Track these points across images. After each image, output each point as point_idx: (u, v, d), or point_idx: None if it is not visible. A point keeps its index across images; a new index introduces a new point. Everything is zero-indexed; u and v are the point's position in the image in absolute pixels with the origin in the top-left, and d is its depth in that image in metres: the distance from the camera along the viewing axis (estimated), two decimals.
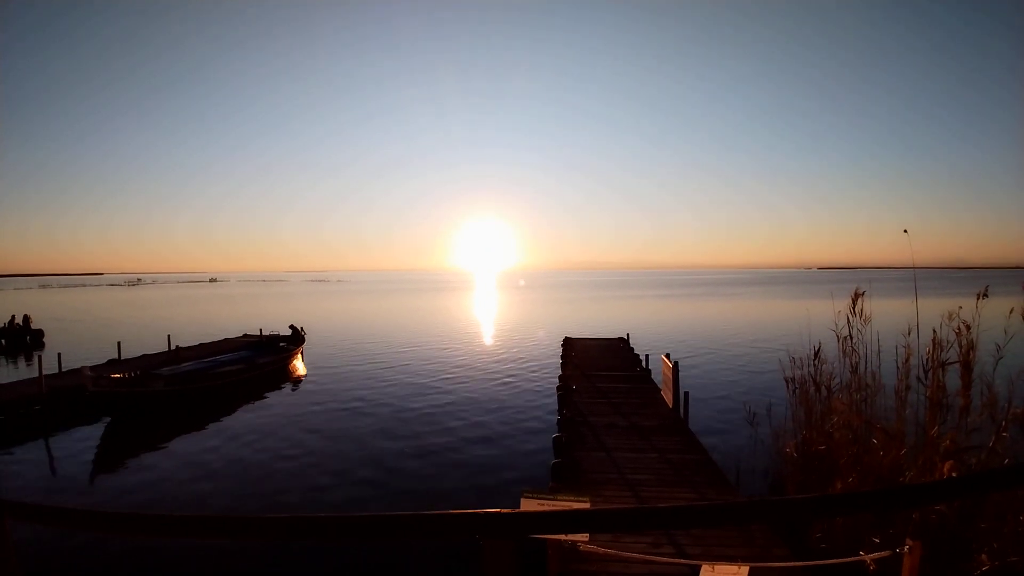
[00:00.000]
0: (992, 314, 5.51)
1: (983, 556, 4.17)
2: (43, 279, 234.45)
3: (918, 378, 5.76)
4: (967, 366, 5.30)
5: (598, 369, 14.70)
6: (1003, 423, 4.89)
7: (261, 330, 22.43)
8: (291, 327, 21.20)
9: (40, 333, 27.25)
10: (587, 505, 1.72)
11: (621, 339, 20.42)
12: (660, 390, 11.81)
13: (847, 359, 6.75)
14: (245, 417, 12.60)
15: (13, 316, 27.43)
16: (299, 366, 18.84)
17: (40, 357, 13.38)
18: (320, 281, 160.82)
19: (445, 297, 70.03)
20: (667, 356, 11.23)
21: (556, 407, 11.82)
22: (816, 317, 7.87)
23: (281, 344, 20.16)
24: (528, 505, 1.79)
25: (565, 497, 1.79)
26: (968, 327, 5.43)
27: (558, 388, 12.33)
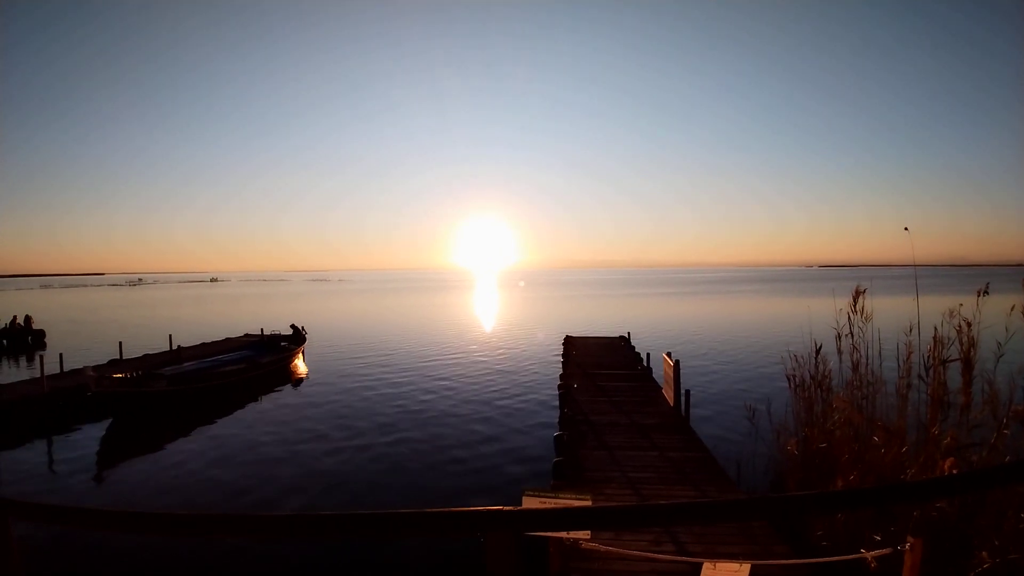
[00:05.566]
0: (993, 311, 5.50)
1: (984, 553, 4.17)
2: (44, 279, 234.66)
3: (919, 376, 5.76)
4: (968, 363, 5.30)
5: (599, 368, 14.70)
6: (1004, 420, 4.89)
7: (263, 330, 22.45)
8: (292, 326, 21.22)
9: (41, 333, 27.25)
10: (588, 503, 1.73)
11: (622, 337, 20.42)
12: (661, 388, 11.82)
13: (848, 357, 6.76)
14: (247, 417, 12.63)
15: (15, 316, 27.40)
16: (301, 365, 18.86)
17: (42, 357, 13.40)
18: (321, 280, 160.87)
19: (446, 296, 70.04)
20: (668, 354, 11.23)
21: (557, 405, 11.83)
22: (817, 315, 7.85)
23: (282, 344, 20.18)
24: (530, 503, 1.79)
25: (566, 495, 1.79)
26: (969, 324, 5.42)
27: (559, 387, 12.33)
